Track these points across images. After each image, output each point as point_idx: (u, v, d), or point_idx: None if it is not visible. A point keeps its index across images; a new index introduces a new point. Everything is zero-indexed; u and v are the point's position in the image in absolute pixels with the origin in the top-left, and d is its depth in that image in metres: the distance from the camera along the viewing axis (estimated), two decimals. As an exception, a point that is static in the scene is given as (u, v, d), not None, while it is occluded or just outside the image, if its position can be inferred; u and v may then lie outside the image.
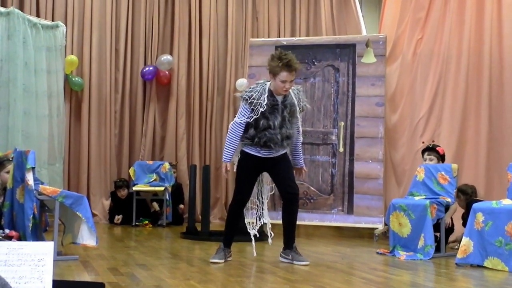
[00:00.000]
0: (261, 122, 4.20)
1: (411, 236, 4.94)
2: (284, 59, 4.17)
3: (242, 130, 4.26)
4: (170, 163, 7.75)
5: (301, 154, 4.55)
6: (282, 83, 4.19)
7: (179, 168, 8.09)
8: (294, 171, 4.52)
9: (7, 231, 4.17)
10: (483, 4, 6.27)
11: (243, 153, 4.34)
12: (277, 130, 4.22)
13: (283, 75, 4.16)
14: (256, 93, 4.21)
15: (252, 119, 4.21)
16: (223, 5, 8.49)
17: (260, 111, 4.18)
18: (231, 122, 4.31)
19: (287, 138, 4.28)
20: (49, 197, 4.28)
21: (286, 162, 4.40)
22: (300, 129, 4.47)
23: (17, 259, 2.62)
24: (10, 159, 4.49)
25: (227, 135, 4.31)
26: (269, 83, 4.28)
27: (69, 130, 7.69)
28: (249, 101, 4.20)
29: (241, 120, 4.24)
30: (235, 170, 4.46)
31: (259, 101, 4.19)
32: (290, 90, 4.30)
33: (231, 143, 4.27)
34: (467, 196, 5.37)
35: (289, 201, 4.37)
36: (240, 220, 4.49)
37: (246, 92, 4.28)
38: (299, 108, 4.35)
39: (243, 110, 4.24)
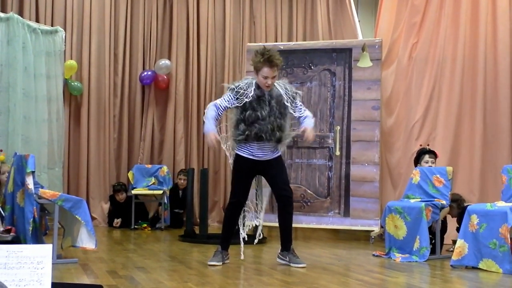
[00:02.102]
0: (249, 114, 4.29)
1: (406, 238, 4.98)
2: (265, 55, 4.26)
3: (217, 113, 4.30)
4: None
5: (309, 120, 4.44)
6: (264, 78, 4.28)
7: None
8: (301, 131, 4.45)
9: (1, 229, 4.21)
10: (478, 9, 6.33)
11: (236, 156, 4.41)
12: (266, 120, 4.29)
13: (265, 70, 4.26)
14: (244, 84, 4.34)
15: (233, 106, 4.31)
16: (220, 10, 8.54)
17: (244, 101, 4.27)
18: (210, 104, 4.40)
19: (278, 128, 4.33)
20: (48, 201, 4.33)
21: (280, 165, 4.45)
22: (303, 109, 4.44)
23: (17, 262, 2.66)
24: None
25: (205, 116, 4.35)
26: (256, 79, 4.39)
27: (69, 134, 7.72)
28: (235, 90, 4.32)
29: (221, 103, 4.33)
30: (230, 166, 4.51)
31: (246, 91, 4.30)
32: (276, 84, 4.40)
33: (208, 119, 4.28)
34: (458, 202, 5.44)
35: (283, 204, 4.41)
36: (237, 222, 4.54)
37: (233, 83, 4.42)
38: (289, 97, 4.39)
39: (227, 96, 4.34)
